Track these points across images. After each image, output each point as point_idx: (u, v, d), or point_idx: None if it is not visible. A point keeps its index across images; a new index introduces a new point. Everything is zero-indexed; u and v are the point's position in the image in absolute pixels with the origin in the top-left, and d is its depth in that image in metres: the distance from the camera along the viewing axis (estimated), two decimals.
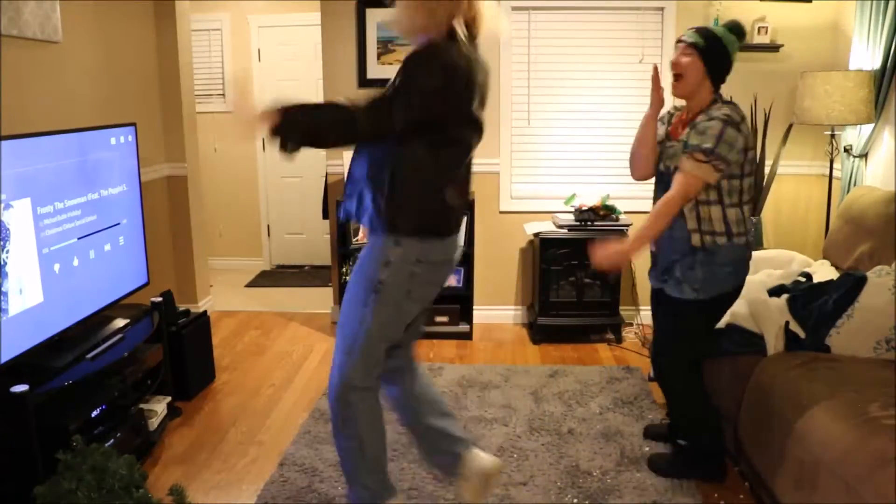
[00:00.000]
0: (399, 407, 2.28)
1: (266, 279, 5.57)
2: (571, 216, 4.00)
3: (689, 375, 2.53)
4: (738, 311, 2.83)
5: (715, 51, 2.41)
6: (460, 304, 4.19)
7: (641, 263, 4.30)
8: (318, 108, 1.89)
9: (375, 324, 2.01)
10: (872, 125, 3.50)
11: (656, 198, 2.57)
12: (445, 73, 1.84)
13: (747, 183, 2.39)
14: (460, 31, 1.89)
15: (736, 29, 2.46)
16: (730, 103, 2.44)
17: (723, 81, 2.47)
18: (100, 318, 2.88)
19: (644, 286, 4.33)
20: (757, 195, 3.99)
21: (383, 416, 2.13)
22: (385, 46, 4.17)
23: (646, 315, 4.32)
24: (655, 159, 2.58)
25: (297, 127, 1.85)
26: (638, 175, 2.67)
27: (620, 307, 4.14)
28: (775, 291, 2.85)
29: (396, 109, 1.84)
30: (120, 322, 2.94)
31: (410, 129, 1.88)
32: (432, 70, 1.84)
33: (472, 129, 2.01)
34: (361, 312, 2.01)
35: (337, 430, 2.09)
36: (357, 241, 4.17)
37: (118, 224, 3.02)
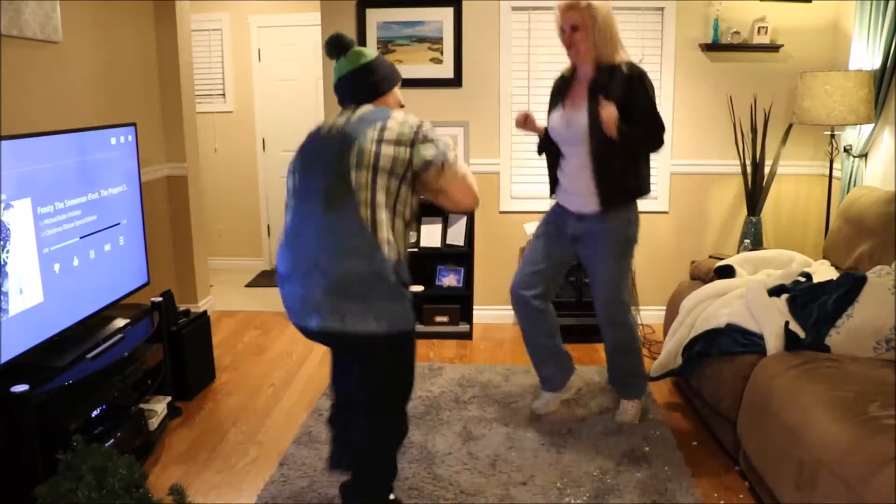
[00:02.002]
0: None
1: (266, 279, 5.56)
2: None
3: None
4: (738, 311, 2.83)
5: None
6: (460, 304, 4.19)
7: (642, 263, 4.31)
8: None
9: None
10: (872, 125, 3.50)
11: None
12: None
13: None
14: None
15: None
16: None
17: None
18: (100, 318, 2.89)
19: (644, 286, 4.34)
20: (757, 195, 4.00)
21: None
22: (385, 46, 4.17)
23: (646, 315, 4.32)
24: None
25: None
26: None
27: None
28: (775, 291, 2.85)
29: None
30: (120, 322, 2.95)
31: None
32: None
33: None
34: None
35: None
36: None
37: (118, 224, 3.02)
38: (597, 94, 2.69)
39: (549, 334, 3.05)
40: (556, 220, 2.96)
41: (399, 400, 2.16)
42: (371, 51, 2.22)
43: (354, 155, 1.96)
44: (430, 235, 4.19)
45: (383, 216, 1.95)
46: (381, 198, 1.95)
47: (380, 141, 1.97)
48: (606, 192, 2.75)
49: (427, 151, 2.01)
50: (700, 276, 3.52)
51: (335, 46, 2.17)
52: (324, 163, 2.00)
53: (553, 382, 3.11)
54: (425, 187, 2.09)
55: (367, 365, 2.10)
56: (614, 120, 2.58)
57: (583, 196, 2.80)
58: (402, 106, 2.24)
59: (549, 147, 2.95)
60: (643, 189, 2.83)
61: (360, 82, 2.15)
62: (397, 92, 2.23)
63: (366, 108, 2.08)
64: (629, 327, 2.96)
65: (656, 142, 2.76)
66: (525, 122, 2.90)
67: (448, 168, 2.05)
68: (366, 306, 1.93)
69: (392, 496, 2.34)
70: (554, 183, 2.98)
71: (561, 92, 2.87)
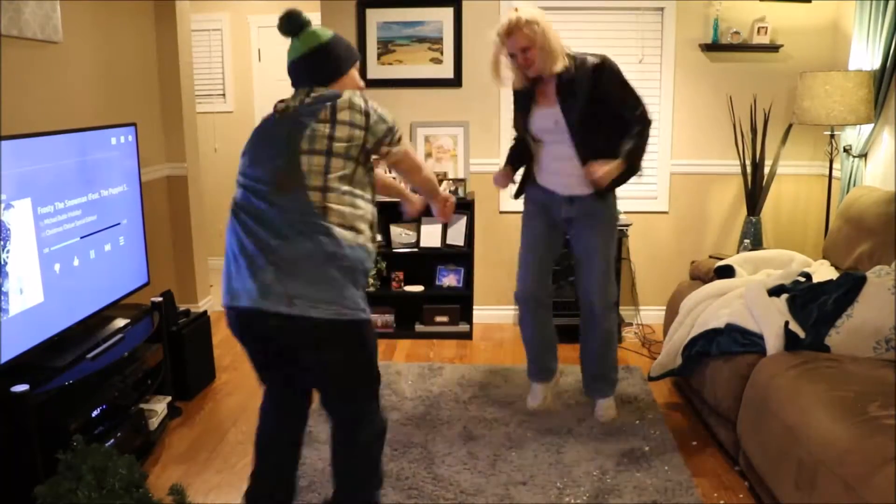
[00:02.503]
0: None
1: None
2: None
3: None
4: (737, 311, 2.83)
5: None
6: (460, 304, 4.19)
7: (642, 263, 4.31)
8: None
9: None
10: (872, 125, 3.50)
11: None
12: None
13: None
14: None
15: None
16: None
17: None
18: (100, 318, 2.88)
19: (644, 286, 4.34)
20: (757, 195, 4.00)
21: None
22: (385, 46, 4.17)
23: (646, 315, 4.32)
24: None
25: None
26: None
27: (620, 307, 4.14)
28: (775, 291, 2.85)
29: None
30: (120, 322, 2.95)
31: None
32: None
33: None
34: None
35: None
36: None
37: (118, 224, 3.02)
38: (565, 94, 2.76)
39: (551, 327, 3.18)
40: (544, 209, 3.01)
41: (366, 391, 2.08)
42: (326, 30, 2.10)
43: (306, 139, 1.89)
44: (430, 235, 4.19)
45: (335, 199, 1.89)
46: (333, 183, 1.89)
47: (332, 123, 1.91)
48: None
49: (379, 129, 1.99)
50: (700, 276, 3.52)
51: (290, 24, 2.04)
52: (276, 146, 1.93)
53: (549, 372, 3.20)
54: (383, 163, 2.10)
55: (321, 356, 1.97)
56: (604, 180, 2.72)
57: (575, 178, 2.85)
58: (361, 88, 2.11)
59: (523, 146, 3.04)
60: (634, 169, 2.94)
61: (315, 65, 2.04)
62: (354, 73, 2.12)
63: (319, 91, 2.00)
64: (616, 316, 3.09)
65: (647, 137, 2.84)
66: (504, 179, 3.03)
67: (396, 148, 2.06)
68: (316, 290, 1.84)
69: None
70: (525, 181, 3.08)
71: (530, 92, 2.88)
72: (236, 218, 1.96)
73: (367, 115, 1.96)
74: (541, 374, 3.19)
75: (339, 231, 1.87)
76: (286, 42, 2.17)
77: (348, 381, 2.03)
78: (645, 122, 2.82)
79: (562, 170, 2.89)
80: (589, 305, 3.00)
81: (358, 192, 1.96)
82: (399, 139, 2.08)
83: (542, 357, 3.18)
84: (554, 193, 2.95)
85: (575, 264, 3.07)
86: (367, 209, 1.98)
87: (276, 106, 2.02)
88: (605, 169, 2.71)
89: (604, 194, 2.88)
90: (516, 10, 2.72)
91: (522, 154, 3.06)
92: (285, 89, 2.06)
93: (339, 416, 2.10)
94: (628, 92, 2.79)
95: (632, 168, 2.81)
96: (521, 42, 2.68)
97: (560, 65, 2.74)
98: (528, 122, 2.91)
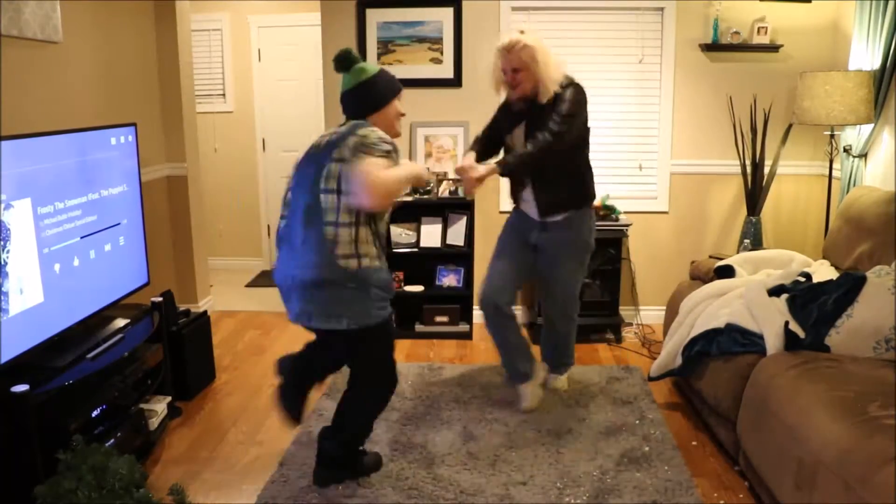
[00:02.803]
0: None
1: (266, 279, 5.56)
2: None
3: None
4: (738, 311, 2.83)
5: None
6: (460, 304, 4.19)
7: (642, 263, 4.31)
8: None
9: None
10: (872, 125, 3.50)
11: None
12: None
13: None
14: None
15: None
16: None
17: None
18: (100, 318, 2.89)
19: (644, 286, 4.34)
20: (757, 195, 4.00)
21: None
22: (385, 46, 4.17)
23: (646, 315, 4.32)
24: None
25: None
26: None
27: (620, 307, 4.14)
28: (775, 291, 2.85)
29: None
30: (120, 322, 2.95)
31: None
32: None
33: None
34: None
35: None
36: None
37: (118, 224, 3.02)
38: (534, 117, 2.86)
39: (519, 332, 3.18)
40: (518, 228, 3.13)
41: (381, 371, 2.48)
42: (372, 66, 2.40)
43: (324, 179, 2.22)
44: (430, 235, 4.19)
45: (346, 233, 2.22)
46: (345, 217, 2.21)
47: (339, 161, 2.21)
48: (544, 202, 2.98)
49: (356, 157, 2.20)
50: (700, 276, 3.52)
51: (340, 63, 2.39)
52: (306, 183, 2.26)
53: (524, 375, 3.18)
54: None
55: (340, 350, 2.49)
56: (469, 184, 2.83)
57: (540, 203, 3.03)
58: (402, 115, 2.46)
59: (488, 142, 3.13)
60: (588, 197, 3.06)
61: (357, 99, 2.38)
62: (396, 104, 2.42)
63: (347, 126, 2.31)
64: (575, 319, 3.28)
65: (540, 156, 2.79)
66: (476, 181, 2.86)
67: (353, 168, 2.19)
68: (325, 309, 2.26)
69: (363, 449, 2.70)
70: (515, 192, 3.14)
71: (520, 112, 2.97)
72: (278, 245, 2.38)
73: (354, 150, 2.20)
74: (517, 377, 3.20)
75: (343, 262, 2.22)
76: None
77: (364, 368, 2.49)
78: (554, 135, 2.76)
79: (529, 194, 3.01)
80: (551, 313, 3.24)
81: (363, 219, 2.25)
82: (361, 164, 2.19)
83: (514, 361, 3.17)
84: (529, 218, 3.06)
85: (540, 281, 3.23)
86: (369, 234, 2.27)
87: (317, 139, 2.36)
88: (478, 173, 2.78)
89: (574, 218, 3.01)
90: (522, 31, 2.84)
91: (487, 148, 3.11)
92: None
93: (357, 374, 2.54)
94: (573, 106, 2.80)
95: (510, 173, 2.90)
96: (513, 62, 2.81)
97: (546, 98, 2.84)
98: (512, 137, 3.01)
